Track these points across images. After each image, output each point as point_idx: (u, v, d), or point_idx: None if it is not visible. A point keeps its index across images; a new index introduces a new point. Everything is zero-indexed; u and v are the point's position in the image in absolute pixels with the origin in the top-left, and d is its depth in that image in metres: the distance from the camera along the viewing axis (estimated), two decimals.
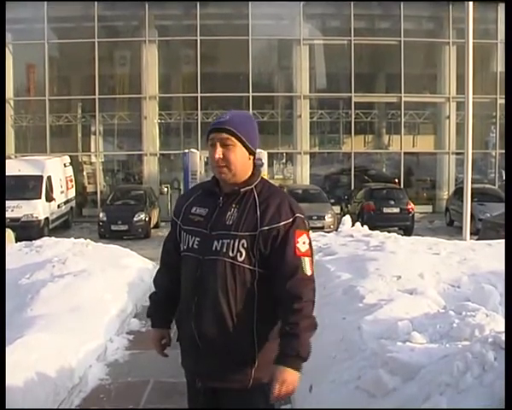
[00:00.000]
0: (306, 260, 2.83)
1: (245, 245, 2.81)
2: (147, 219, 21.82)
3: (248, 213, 2.84)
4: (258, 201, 2.86)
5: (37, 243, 10.32)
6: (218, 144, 2.84)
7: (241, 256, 2.81)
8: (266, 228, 2.80)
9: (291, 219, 2.82)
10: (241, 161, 2.87)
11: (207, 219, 2.90)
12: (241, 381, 2.85)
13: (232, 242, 2.81)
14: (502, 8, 23.20)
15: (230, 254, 2.81)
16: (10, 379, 4.34)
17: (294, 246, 2.80)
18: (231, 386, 2.86)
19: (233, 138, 2.84)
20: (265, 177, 3.10)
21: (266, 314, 2.87)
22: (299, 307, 2.78)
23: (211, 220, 2.88)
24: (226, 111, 3.01)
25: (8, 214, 18.87)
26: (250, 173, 2.92)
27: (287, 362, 2.71)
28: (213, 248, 2.84)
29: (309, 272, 2.83)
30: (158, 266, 3.26)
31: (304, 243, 2.83)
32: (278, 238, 2.80)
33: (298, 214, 2.85)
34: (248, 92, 27.05)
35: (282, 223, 2.80)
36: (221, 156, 2.83)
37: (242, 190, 2.88)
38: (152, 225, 22.31)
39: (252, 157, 2.92)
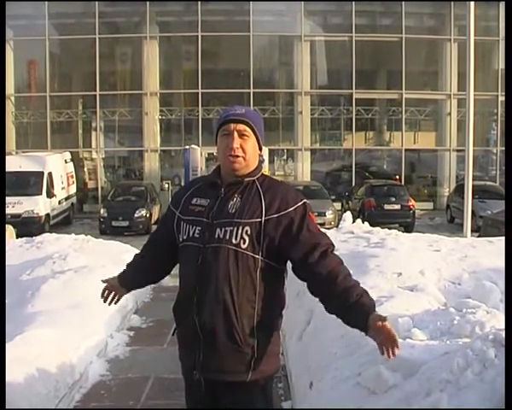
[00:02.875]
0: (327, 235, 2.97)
1: (248, 232, 2.82)
2: (148, 215, 21.88)
3: (252, 202, 2.86)
4: (262, 190, 2.89)
5: (37, 239, 10.32)
6: (236, 134, 2.87)
7: (244, 243, 2.81)
8: (275, 216, 2.83)
9: (301, 204, 2.89)
10: (253, 154, 2.93)
11: (209, 209, 2.90)
12: (241, 373, 2.85)
13: (235, 229, 2.82)
14: (503, 5, 23.17)
15: (234, 241, 2.82)
16: (11, 375, 4.34)
17: (315, 226, 2.91)
18: (230, 379, 2.86)
19: (250, 130, 2.90)
20: (267, 173, 3.15)
21: (267, 305, 2.88)
22: (350, 276, 2.93)
23: (212, 210, 2.89)
24: (234, 106, 3.04)
25: (9, 210, 18.91)
26: (254, 167, 2.96)
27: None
28: (216, 236, 2.84)
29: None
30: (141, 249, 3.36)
31: (316, 222, 2.95)
32: (294, 224, 2.84)
33: (305, 200, 2.94)
34: (249, 89, 27.07)
35: (292, 208, 2.85)
36: (238, 146, 2.87)
37: (246, 179, 2.91)
38: (153, 222, 22.27)
39: (259, 152, 2.98)
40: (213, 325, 2.82)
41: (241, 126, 2.88)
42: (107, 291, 3.32)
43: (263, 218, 2.82)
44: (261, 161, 3.03)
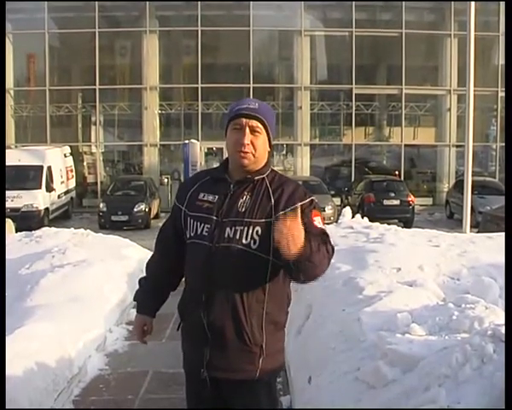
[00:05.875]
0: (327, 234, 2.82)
1: (259, 232, 2.77)
2: (147, 209, 21.88)
3: (262, 201, 2.81)
4: (271, 189, 2.84)
5: (37, 233, 10.32)
6: (248, 130, 2.80)
7: (254, 244, 2.77)
8: (282, 213, 2.75)
9: (307, 201, 2.82)
10: (263, 150, 2.86)
11: (218, 206, 2.84)
12: (249, 371, 2.83)
13: (246, 229, 2.78)
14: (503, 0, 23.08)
15: (244, 241, 2.77)
16: (10, 369, 4.35)
17: (312, 221, 2.77)
18: (238, 377, 2.83)
19: (262, 127, 2.82)
20: None
21: (275, 304, 2.86)
22: (325, 246, 2.70)
23: (222, 207, 2.83)
24: (246, 98, 2.96)
25: (9, 204, 18.89)
26: (263, 164, 2.90)
27: (311, 234, 2.60)
28: (226, 236, 2.79)
29: (332, 243, 2.81)
30: (152, 252, 3.22)
31: (319, 222, 2.80)
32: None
33: (312, 197, 2.87)
34: (249, 83, 27.02)
35: (299, 204, 2.76)
36: (249, 142, 2.80)
37: (256, 178, 2.85)
38: (152, 216, 22.36)
39: (269, 149, 2.91)
40: (222, 325, 2.80)
41: (254, 122, 2.80)
42: (142, 335, 3.17)
43: (272, 217, 2.77)
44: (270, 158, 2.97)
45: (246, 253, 2.78)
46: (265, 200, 2.82)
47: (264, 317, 2.82)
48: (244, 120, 2.81)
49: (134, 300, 3.25)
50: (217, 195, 2.87)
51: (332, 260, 2.83)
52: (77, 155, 26.77)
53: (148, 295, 3.14)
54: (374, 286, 5.61)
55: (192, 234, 2.89)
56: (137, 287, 3.25)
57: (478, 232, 12.00)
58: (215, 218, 2.83)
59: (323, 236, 2.76)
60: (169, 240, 3.07)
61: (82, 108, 28.88)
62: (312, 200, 2.85)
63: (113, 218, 21.31)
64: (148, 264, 3.22)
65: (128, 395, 5.41)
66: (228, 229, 2.80)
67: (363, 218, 10.83)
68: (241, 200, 2.83)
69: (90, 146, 28.77)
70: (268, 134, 2.86)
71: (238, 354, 2.82)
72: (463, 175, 14.37)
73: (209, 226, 2.84)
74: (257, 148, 2.82)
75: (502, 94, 25.60)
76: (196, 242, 2.87)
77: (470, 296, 4.89)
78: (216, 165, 3.12)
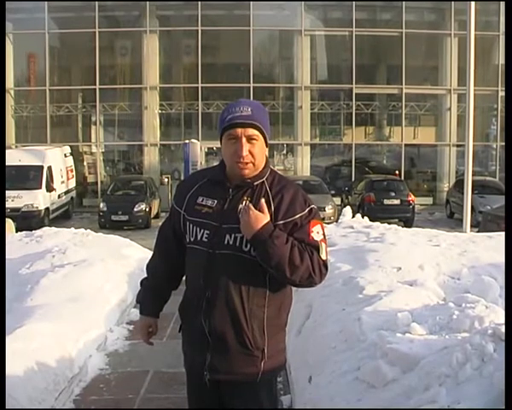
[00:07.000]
0: (323, 245, 2.79)
1: None
2: (147, 209, 21.89)
3: None
4: (271, 194, 2.79)
5: (37, 233, 10.32)
6: (245, 140, 2.73)
7: (255, 250, 2.74)
8: (282, 222, 2.74)
9: (306, 211, 2.78)
10: (262, 155, 2.81)
11: (217, 211, 2.81)
12: (251, 374, 2.82)
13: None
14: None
15: (244, 248, 2.75)
16: (10, 368, 4.34)
17: (309, 234, 2.75)
18: (240, 379, 2.83)
19: (258, 133, 2.76)
20: None
21: (276, 307, 2.85)
22: (308, 265, 2.72)
23: (221, 213, 2.80)
24: (238, 101, 2.84)
25: (9, 204, 18.92)
26: (262, 167, 2.85)
27: (269, 225, 2.70)
28: (225, 242, 2.77)
29: (324, 256, 2.78)
30: (152, 253, 3.20)
31: (318, 232, 2.78)
32: (294, 230, 2.75)
33: (312, 206, 2.82)
34: (249, 83, 27.02)
35: (298, 215, 2.76)
36: (247, 153, 2.74)
37: (255, 183, 2.81)
38: (152, 216, 22.37)
39: (266, 150, 2.86)
40: (223, 330, 2.79)
41: (250, 131, 2.73)
42: (148, 337, 3.14)
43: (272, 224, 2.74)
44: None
45: (246, 260, 2.76)
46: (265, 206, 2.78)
47: (265, 321, 2.81)
48: (239, 130, 2.74)
49: (137, 302, 3.25)
50: (216, 199, 2.84)
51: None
52: (77, 155, 26.78)
53: (151, 296, 3.12)
54: (374, 286, 5.61)
55: (192, 239, 2.87)
56: (139, 288, 3.23)
57: (478, 232, 12.00)
58: (214, 224, 2.80)
59: (313, 248, 2.75)
60: (168, 241, 3.04)
61: (82, 108, 28.89)
62: (312, 209, 2.81)
63: (114, 217, 21.34)
64: (148, 265, 3.20)
65: (128, 395, 5.41)
66: (227, 236, 2.77)
67: (363, 217, 10.83)
68: (241, 205, 2.78)
69: (91, 146, 28.78)
70: (265, 137, 2.81)
71: (240, 358, 2.81)
72: (463, 175, 14.38)
73: (208, 232, 2.81)
74: (256, 156, 2.77)
75: (502, 93, 25.60)
76: (196, 247, 2.85)
77: (470, 296, 4.89)
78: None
